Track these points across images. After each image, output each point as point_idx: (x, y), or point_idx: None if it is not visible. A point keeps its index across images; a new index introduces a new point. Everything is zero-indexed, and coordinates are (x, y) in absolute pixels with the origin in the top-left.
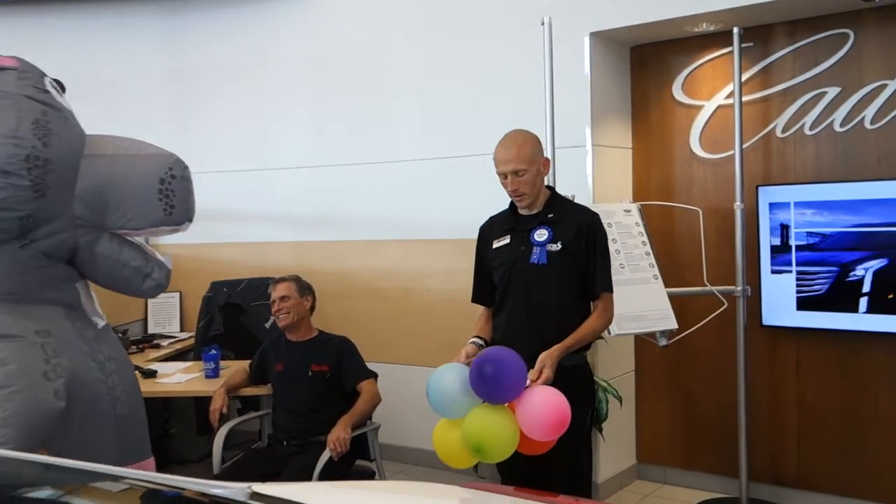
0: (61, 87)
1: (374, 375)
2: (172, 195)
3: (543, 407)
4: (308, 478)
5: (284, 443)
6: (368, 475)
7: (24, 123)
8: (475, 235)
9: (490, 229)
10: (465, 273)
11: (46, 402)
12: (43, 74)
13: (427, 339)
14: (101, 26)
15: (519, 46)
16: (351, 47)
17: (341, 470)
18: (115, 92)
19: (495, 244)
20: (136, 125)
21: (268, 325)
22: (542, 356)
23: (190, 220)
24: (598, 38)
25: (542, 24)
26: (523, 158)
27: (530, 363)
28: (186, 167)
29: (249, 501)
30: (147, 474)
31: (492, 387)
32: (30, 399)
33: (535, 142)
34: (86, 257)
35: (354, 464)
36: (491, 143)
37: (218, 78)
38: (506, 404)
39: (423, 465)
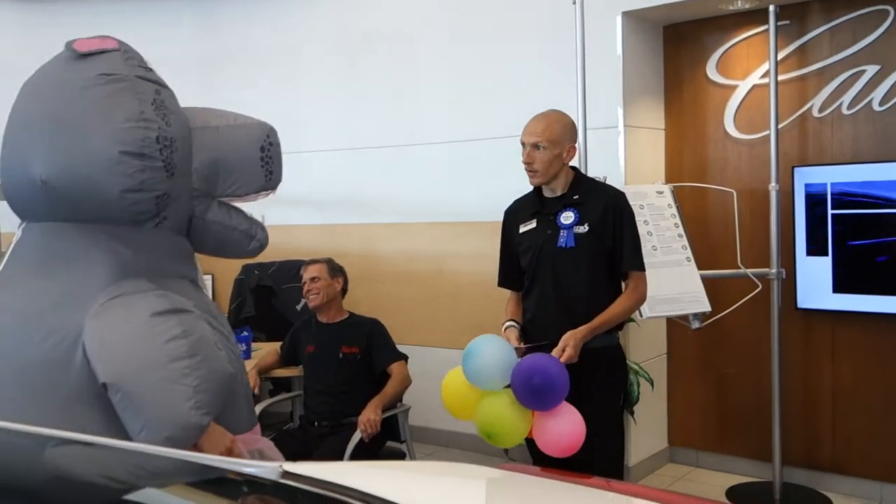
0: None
1: (405, 358)
2: (271, 161)
3: (562, 432)
4: (339, 459)
5: (316, 424)
6: (399, 457)
7: (146, 105)
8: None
9: (515, 213)
10: (495, 256)
11: (224, 369)
12: (138, 52)
13: (456, 321)
14: (130, 10)
15: (550, 26)
16: (381, 30)
17: (372, 451)
18: None
19: (522, 228)
20: None
21: (299, 307)
22: (567, 335)
23: (278, 184)
24: (631, 17)
25: (574, 3)
26: (547, 135)
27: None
28: (277, 133)
29: (281, 480)
30: (180, 453)
31: (535, 399)
32: (213, 367)
33: (568, 125)
34: (198, 226)
35: (385, 445)
36: (521, 125)
37: (248, 62)
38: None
39: (453, 446)
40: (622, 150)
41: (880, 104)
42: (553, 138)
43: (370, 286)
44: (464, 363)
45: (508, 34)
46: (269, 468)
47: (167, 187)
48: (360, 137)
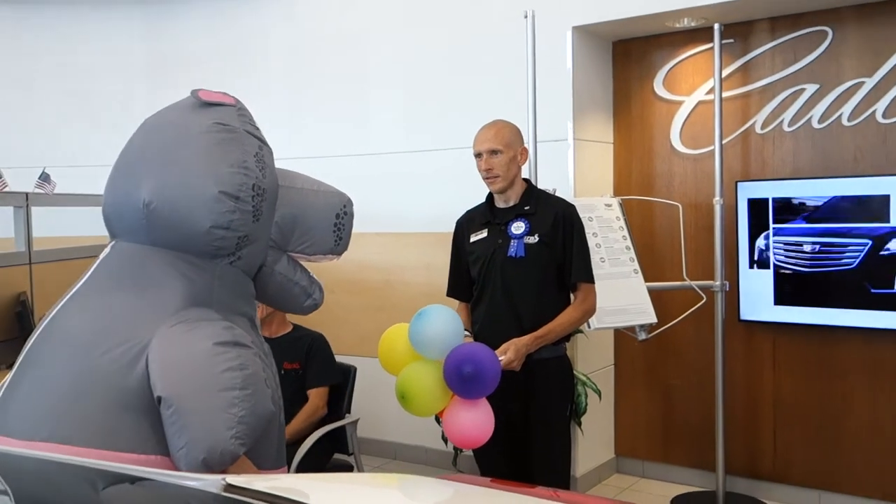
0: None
1: (332, 383)
2: (343, 229)
3: (469, 425)
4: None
5: None
6: (346, 469)
7: (249, 156)
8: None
9: (467, 223)
10: (445, 266)
11: (268, 406)
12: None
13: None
14: (78, 13)
15: (501, 39)
16: (333, 39)
17: (319, 464)
18: (91, 79)
19: (472, 238)
20: (111, 114)
21: None
22: (510, 341)
23: (344, 251)
24: (581, 32)
25: (525, 17)
26: (500, 140)
27: None
28: (353, 205)
29: (223, 493)
30: (122, 466)
31: (460, 385)
32: (259, 403)
33: (515, 129)
34: (265, 273)
35: (332, 458)
36: (471, 136)
37: (196, 67)
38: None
39: (401, 458)
40: (571, 163)
41: (819, 122)
42: (506, 142)
43: None
44: (413, 322)
45: (461, 46)
46: (212, 481)
47: (250, 230)
48: (310, 146)
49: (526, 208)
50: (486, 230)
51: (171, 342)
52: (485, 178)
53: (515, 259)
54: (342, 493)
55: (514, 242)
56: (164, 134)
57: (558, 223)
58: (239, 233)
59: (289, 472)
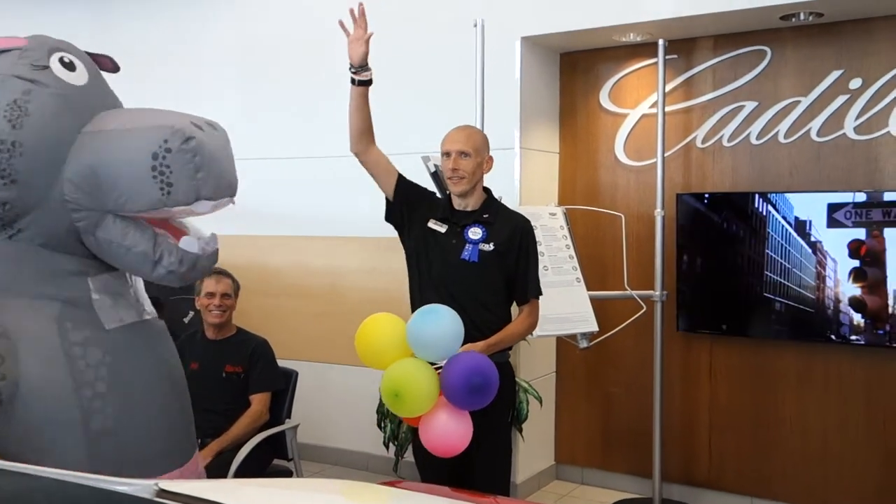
0: (111, 62)
1: (275, 389)
2: (168, 172)
3: (448, 433)
4: (224, 476)
5: (200, 441)
6: (285, 475)
7: None
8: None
9: (430, 201)
10: (391, 272)
11: None
12: (54, 49)
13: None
14: (24, 1)
15: (451, 47)
16: (284, 41)
17: (258, 469)
18: None
19: (432, 224)
20: None
21: (187, 319)
22: (467, 346)
23: (212, 198)
24: (530, 42)
25: (475, 26)
26: (471, 143)
27: None
28: (190, 137)
29: (156, 499)
30: (52, 471)
31: (466, 395)
32: None
33: (485, 138)
34: (91, 242)
35: (272, 463)
36: (420, 142)
37: (144, 59)
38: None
39: (343, 465)
40: (517, 172)
41: (757, 138)
42: (476, 146)
43: (263, 300)
44: (417, 320)
45: (410, 52)
46: (143, 486)
47: (7, 196)
48: (257, 147)
49: (485, 216)
50: (446, 226)
51: None
52: (449, 178)
53: (468, 263)
54: (273, 496)
55: (469, 246)
56: None
57: (516, 237)
58: None
59: (227, 476)
